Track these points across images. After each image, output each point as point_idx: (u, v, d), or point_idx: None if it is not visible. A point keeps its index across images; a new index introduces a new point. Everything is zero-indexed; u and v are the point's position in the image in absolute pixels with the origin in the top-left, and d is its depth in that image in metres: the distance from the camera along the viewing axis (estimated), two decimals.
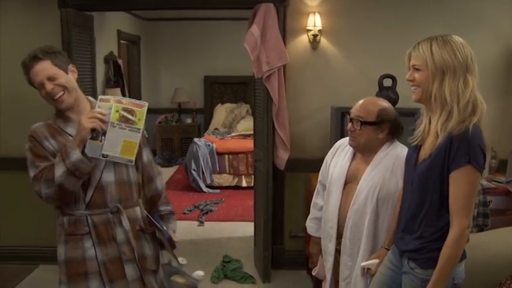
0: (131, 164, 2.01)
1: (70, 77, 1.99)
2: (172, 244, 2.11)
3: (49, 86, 1.94)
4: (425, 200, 1.80)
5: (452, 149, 1.69)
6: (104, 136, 1.92)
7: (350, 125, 2.23)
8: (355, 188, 2.23)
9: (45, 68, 1.94)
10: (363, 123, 2.17)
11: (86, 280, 1.98)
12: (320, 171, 2.52)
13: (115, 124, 1.93)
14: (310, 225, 2.60)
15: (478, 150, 1.68)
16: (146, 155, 2.20)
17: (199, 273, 2.32)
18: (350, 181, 2.28)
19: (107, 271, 1.99)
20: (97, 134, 1.91)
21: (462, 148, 1.67)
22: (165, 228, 2.09)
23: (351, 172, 2.29)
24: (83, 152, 1.88)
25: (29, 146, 1.98)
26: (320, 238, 2.49)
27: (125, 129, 1.94)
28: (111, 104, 1.93)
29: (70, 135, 1.98)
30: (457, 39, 1.75)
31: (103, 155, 1.93)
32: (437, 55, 1.72)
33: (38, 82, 1.94)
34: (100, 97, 1.96)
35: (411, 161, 1.89)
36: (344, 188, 2.29)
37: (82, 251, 1.98)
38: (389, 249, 2.05)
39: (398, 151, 2.20)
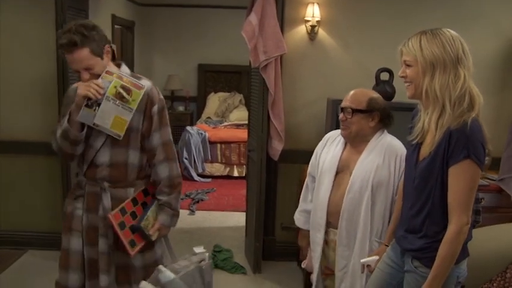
0: (119, 138, 2.06)
1: (104, 63, 2.02)
2: (143, 236, 2.13)
3: (85, 76, 1.99)
4: (428, 198, 1.76)
5: (451, 143, 1.65)
6: (99, 107, 2.01)
7: (341, 115, 2.27)
8: (347, 178, 2.25)
9: (83, 58, 1.93)
10: (354, 111, 2.22)
11: (69, 234, 2.15)
12: (310, 163, 2.53)
13: (110, 98, 2.01)
14: (298, 218, 2.60)
15: (477, 144, 1.65)
16: (156, 139, 2.14)
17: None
18: (341, 171, 2.30)
19: (87, 235, 2.13)
20: (92, 103, 2.00)
21: (461, 142, 1.64)
22: (147, 217, 2.14)
23: (343, 162, 2.30)
24: (69, 120, 2.00)
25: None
26: (308, 231, 2.49)
27: (118, 105, 2.03)
28: (112, 78, 1.99)
29: None
30: (447, 32, 1.71)
31: (94, 124, 2.04)
32: (426, 49, 1.69)
33: (74, 69, 1.98)
34: (106, 69, 2.01)
35: (411, 160, 1.85)
36: (334, 178, 2.30)
37: (72, 208, 2.17)
38: (388, 246, 2.03)
39: (389, 140, 2.26)
